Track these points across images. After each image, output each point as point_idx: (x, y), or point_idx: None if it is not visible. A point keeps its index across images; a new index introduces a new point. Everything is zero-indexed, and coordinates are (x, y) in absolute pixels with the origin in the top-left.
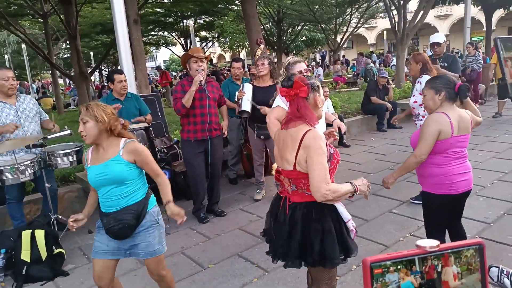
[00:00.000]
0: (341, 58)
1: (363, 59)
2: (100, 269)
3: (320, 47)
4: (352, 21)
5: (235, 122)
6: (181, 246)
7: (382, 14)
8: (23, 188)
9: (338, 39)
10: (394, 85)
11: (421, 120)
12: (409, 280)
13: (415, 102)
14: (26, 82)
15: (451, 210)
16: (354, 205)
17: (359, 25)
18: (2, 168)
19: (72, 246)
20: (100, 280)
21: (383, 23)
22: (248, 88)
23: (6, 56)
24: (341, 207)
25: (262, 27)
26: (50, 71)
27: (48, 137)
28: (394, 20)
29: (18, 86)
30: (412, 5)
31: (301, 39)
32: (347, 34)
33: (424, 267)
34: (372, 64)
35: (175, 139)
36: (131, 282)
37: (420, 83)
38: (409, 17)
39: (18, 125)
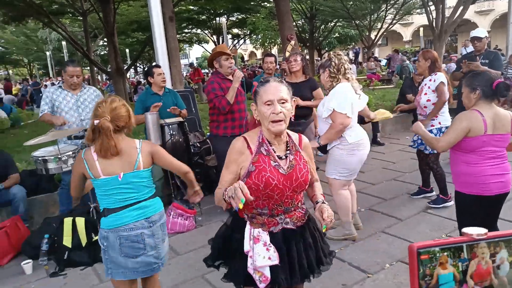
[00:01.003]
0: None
1: (399, 56)
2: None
3: (353, 44)
4: (387, 18)
5: None
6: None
7: (418, 10)
8: None
9: (372, 36)
10: None
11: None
12: (451, 272)
13: (428, 100)
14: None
15: (485, 212)
16: (388, 204)
17: (394, 21)
18: (46, 158)
19: None
20: None
21: (419, 19)
22: None
23: (47, 53)
24: (248, 233)
25: (294, 23)
26: (88, 68)
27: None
28: (432, 16)
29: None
30: (451, 1)
31: (334, 36)
32: (382, 30)
33: (471, 255)
34: (408, 62)
35: (208, 133)
36: (165, 270)
37: (434, 81)
38: (447, 13)
39: (65, 122)
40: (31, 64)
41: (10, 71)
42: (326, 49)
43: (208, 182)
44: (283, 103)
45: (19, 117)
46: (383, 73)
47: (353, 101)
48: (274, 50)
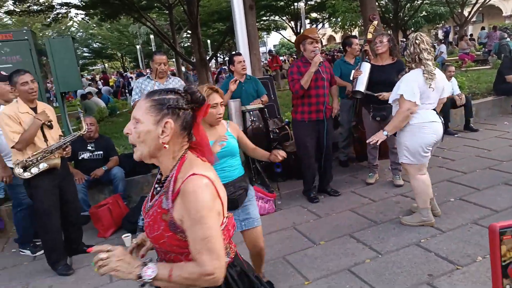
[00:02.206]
0: (468, 34)
1: (497, 33)
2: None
3: (443, 22)
4: None
5: (346, 104)
6: (292, 221)
7: None
8: None
9: (466, 12)
10: None
11: None
12: None
13: None
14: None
15: None
16: (482, 194)
17: None
18: None
19: None
20: (254, 253)
21: None
22: (366, 68)
23: (137, 47)
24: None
25: (377, 3)
26: (173, 59)
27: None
28: None
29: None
30: None
31: (421, 15)
32: (477, 6)
33: None
34: (508, 39)
35: (286, 120)
36: (247, 251)
37: None
38: None
39: None
40: (124, 57)
41: (106, 65)
42: (412, 29)
43: (286, 168)
44: (136, 122)
45: (115, 106)
46: (478, 52)
47: (425, 89)
48: (355, 33)
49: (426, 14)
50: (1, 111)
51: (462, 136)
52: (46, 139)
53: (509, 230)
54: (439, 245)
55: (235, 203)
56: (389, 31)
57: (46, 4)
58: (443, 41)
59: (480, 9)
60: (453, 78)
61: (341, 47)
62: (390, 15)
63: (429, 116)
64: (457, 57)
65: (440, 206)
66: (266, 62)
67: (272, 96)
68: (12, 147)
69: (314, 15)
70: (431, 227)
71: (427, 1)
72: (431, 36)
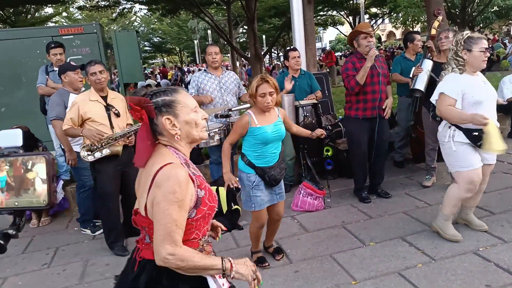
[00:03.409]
0: None
1: None
2: (265, 215)
3: None
4: None
5: (404, 102)
6: (342, 220)
7: None
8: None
9: None
10: None
11: None
12: None
13: None
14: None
15: None
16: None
17: None
18: None
19: None
20: (277, 219)
21: None
22: (427, 65)
23: (195, 42)
24: (212, 282)
25: None
26: (229, 54)
27: (233, 109)
28: None
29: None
30: None
31: (492, 10)
32: None
33: None
34: None
35: (340, 117)
36: (295, 244)
37: None
38: None
39: (212, 99)
40: (182, 52)
41: (165, 59)
42: (481, 25)
43: (338, 166)
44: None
45: None
46: None
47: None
48: (417, 29)
49: (498, 8)
50: (75, 96)
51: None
52: (112, 127)
53: None
54: (499, 255)
55: (278, 181)
56: (454, 27)
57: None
58: None
59: None
60: None
61: (402, 43)
62: (457, 10)
63: None
64: None
65: (504, 213)
66: (321, 58)
67: (326, 92)
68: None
69: (374, 10)
70: (491, 235)
71: None
72: (501, 33)
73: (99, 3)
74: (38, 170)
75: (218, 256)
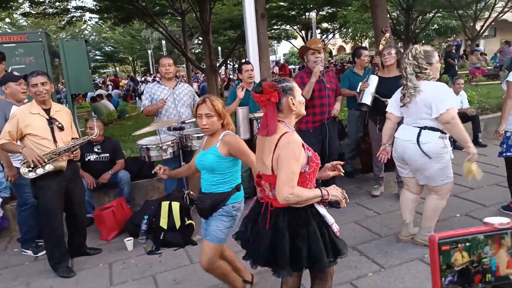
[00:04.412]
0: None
1: (510, 48)
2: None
3: (454, 35)
4: (497, 5)
5: (354, 114)
6: None
7: None
8: (179, 165)
9: (478, 27)
10: None
11: None
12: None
13: None
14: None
15: None
16: (489, 211)
17: (506, 9)
18: (149, 146)
19: (199, 220)
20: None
21: None
22: (373, 80)
23: (149, 52)
24: (323, 210)
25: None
26: (184, 65)
27: (186, 121)
28: None
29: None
30: None
31: (433, 28)
32: (490, 20)
33: (495, 246)
34: None
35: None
36: None
37: None
38: None
39: (164, 100)
40: (135, 61)
41: (117, 68)
42: (423, 42)
43: None
44: None
45: (125, 110)
46: (489, 67)
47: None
48: (365, 44)
49: (438, 27)
50: (16, 108)
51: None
52: (55, 141)
53: (447, 241)
54: None
55: (200, 211)
56: (399, 43)
57: (62, 7)
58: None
59: (493, 23)
60: (462, 92)
61: (351, 58)
62: (402, 27)
63: None
64: (468, 71)
65: (446, 221)
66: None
67: None
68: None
69: (325, 25)
70: None
71: (439, 14)
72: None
73: (46, 10)
74: None
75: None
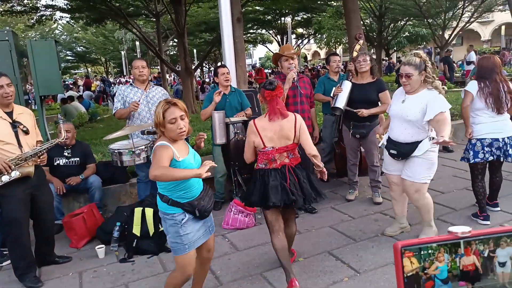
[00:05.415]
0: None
1: (476, 56)
2: (193, 262)
3: (424, 43)
4: (464, 15)
5: (329, 120)
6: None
7: (501, 7)
8: None
9: (446, 35)
10: None
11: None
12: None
13: None
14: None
15: None
16: (459, 215)
17: (472, 19)
18: (121, 151)
19: None
20: (207, 259)
21: (501, 17)
22: (346, 86)
23: (122, 53)
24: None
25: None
26: (158, 67)
27: None
28: None
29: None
30: None
31: (404, 35)
32: (457, 29)
33: (464, 251)
34: None
35: None
36: (226, 264)
37: None
38: None
39: (138, 103)
40: (108, 62)
41: (89, 69)
42: (395, 48)
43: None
44: None
45: (96, 112)
46: (457, 74)
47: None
48: (339, 50)
49: (409, 34)
50: None
51: (440, 156)
52: (20, 146)
53: (410, 248)
54: None
55: (210, 211)
56: (372, 50)
57: (30, 5)
58: None
59: (460, 32)
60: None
61: (326, 63)
62: (374, 34)
63: None
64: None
65: (419, 225)
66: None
67: (256, 109)
68: None
69: (300, 30)
70: None
71: (410, 23)
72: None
73: (13, 8)
74: None
75: None
